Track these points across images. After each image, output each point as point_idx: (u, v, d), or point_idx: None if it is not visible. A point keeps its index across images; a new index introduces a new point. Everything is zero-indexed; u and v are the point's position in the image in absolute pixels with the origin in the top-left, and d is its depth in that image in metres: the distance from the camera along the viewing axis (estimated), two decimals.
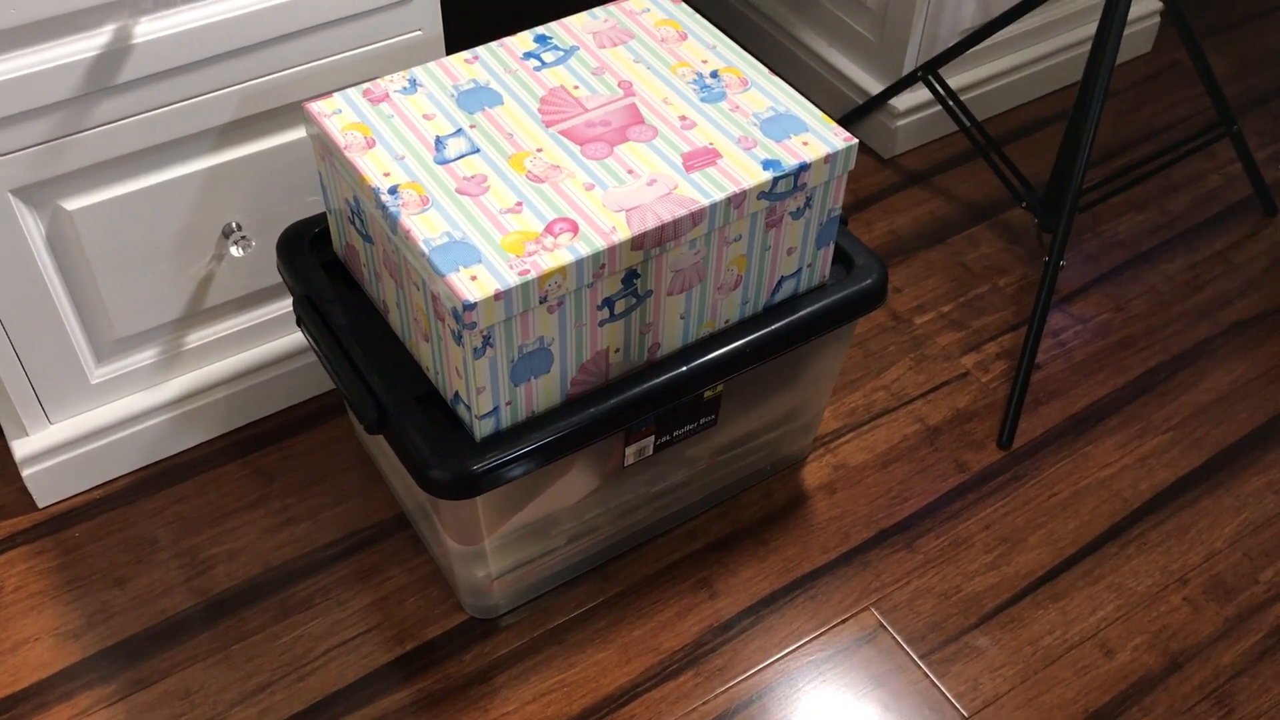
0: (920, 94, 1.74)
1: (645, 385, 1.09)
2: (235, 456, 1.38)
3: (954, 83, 1.73)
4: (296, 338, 1.38)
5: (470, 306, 0.93)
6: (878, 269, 1.19)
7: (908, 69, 1.70)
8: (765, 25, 1.91)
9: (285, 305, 1.35)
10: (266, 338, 1.37)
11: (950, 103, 1.65)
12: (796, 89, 1.88)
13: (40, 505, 1.32)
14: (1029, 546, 1.32)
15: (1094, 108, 1.44)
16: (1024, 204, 1.60)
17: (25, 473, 1.29)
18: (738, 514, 1.34)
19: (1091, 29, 1.85)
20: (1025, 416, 1.45)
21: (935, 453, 1.41)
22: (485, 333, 0.96)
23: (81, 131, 1.09)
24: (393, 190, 1.01)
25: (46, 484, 1.31)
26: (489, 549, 1.15)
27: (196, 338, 1.32)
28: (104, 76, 1.07)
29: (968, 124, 1.64)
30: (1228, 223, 1.71)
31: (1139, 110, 1.89)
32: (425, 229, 0.98)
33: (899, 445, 1.42)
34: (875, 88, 1.75)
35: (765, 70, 1.14)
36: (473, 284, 0.94)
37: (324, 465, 1.37)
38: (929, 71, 1.64)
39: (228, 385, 1.36)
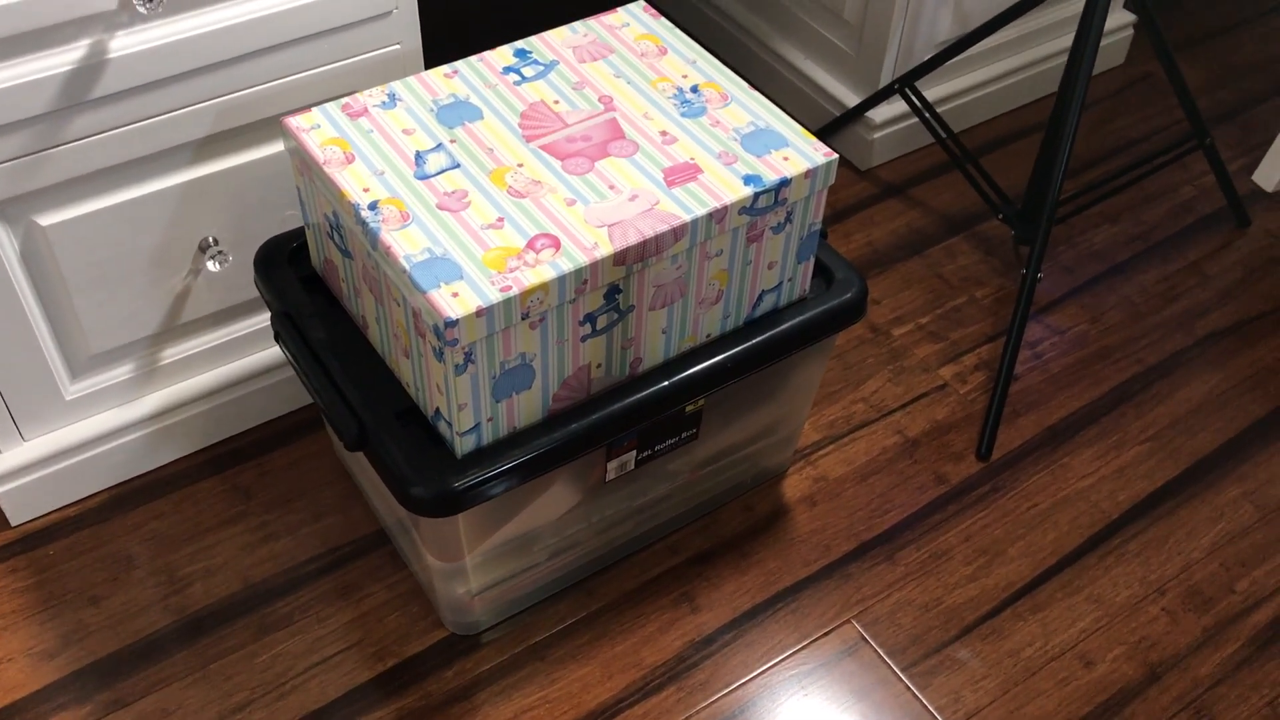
0: (897, 106, 1.75)
1: (627, 400, 1.08)
2: (212, 473, 1.37)
3: (930, 95, 1.74)
4: (274, 352, 1.37)
5: (452, 323, 0.93)
6: (857, 283, 1.20)
7: (884, 81, 1.71)
8: (743, 38, 1.92)
9: (263, 320, 1.34)
10: (243, 353, 1.36)
11: (927, 115, 1.65)
12: (774, 102, 1.89)
13: (13, 523, 1.31)
14: (1009, 558, 1.33)
15: (1070, 120, 1.45)
16: (1000, 216, 1.61)
17: None
18: (719, 528, 1.34)
19: (1065, 42, 1.87)
20: (1003, 428, 1.45)
21: (915, 465, 1.41)
22: (467, 349, 0.96)
23: (56, 146, 1.08)
24: (372, 206, 1.01)
25: (20, 501, 1.29)
26: (470, 565, 1.15)
27: (173, 353, 1.31)
28: (79, 91, 1.06)
29: (944, 136, 1.65)
30: (1201, 234, 1.72)
31: (1113, 122, 1.90)
32: (406, 245, 0.98)
33: (879, 457, 1.42)
34: (852, 100, 1.76)
35: (745, 85, 1.14)
36: (454, 300, 0.94)
37: (302, 481, 1.36)
38: (906, 84, 1.65)
39: (204, 401, 1.35)
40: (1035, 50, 1.86)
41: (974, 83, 1.81)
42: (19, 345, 1.18)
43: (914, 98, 1.65)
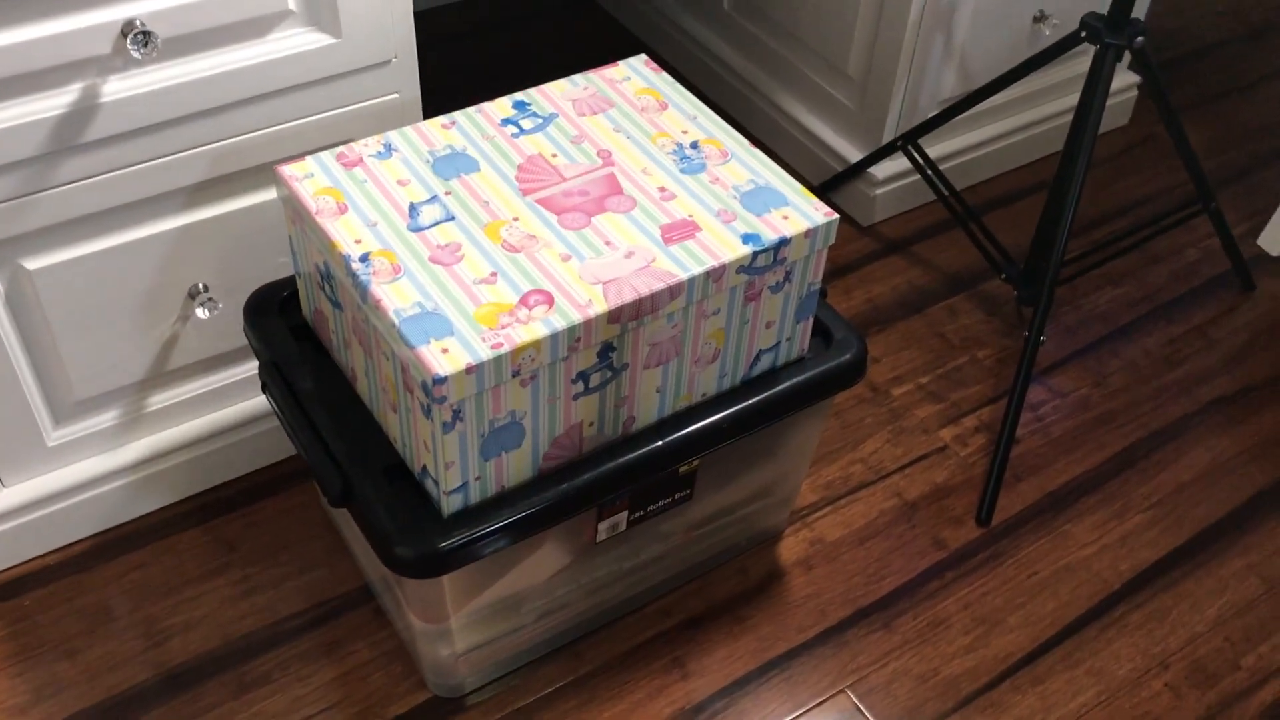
0: (899, 162, 1.74)
1: (619, 460, 1.06)
2: (196, 523, 1.34)
3: (933, 152, 1.73)
4: (261, 401, 1.35)
5: (441, 380, 0.90)
6: (857, 343, 1.17)
7: (887, 138, 1.70)
8: (746, 91, 1.91)
9: (251, 368, 1.32)
10: (231, 401, 1.33)
11: (929, 172, 1.64)
12: (776, 155, 1.88)
13: None
14: (1008, 628, 1.30)
15: (1075, 180, 1.43)
16: (1003, 275, 1.60)
17: None
18: (712, 591, 1.31)
19: (1070, 101, 1.86)
20: (1004, 493, 1.43)
21: (913, 529, 1.38)
22: (455, 406, 0.93)
23: (45, 190, 1.07)
24: (364, 258, 0.99)
25: None
26: (455, 627, 1.12)
27: (159, 400, 1.28)
28: (70, 135, 1.04)
29: (947, 194, 1.64)
30: (1206, 297, 1.70)
31: (1117, 183, 1.89)
32: (396, 298, 0.96)
33: (877, 520, 1.39)
34: (855, 155, 1.75)
35: (745, 142, 1.12)
36: (444, 357, 0.91)
37: (288, 533, 1.33)
38: (909, 141, 1.64)
39: (190, 449, 1.32)
40: (1039, 109, 1.85)
41: (977, 140, 1.80)
42: (1, 391, 1.16)
43: (917, 154, 1.64)
